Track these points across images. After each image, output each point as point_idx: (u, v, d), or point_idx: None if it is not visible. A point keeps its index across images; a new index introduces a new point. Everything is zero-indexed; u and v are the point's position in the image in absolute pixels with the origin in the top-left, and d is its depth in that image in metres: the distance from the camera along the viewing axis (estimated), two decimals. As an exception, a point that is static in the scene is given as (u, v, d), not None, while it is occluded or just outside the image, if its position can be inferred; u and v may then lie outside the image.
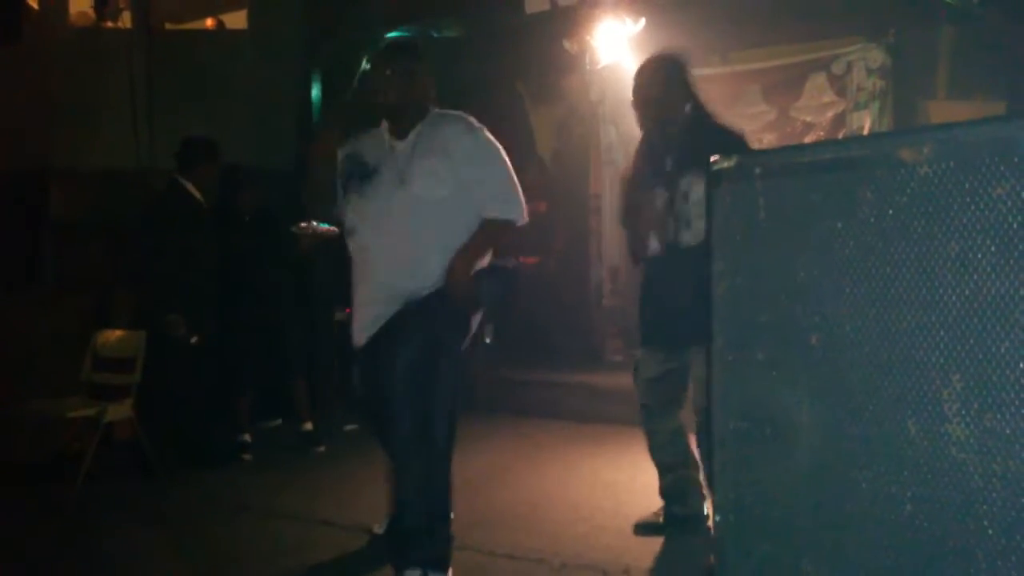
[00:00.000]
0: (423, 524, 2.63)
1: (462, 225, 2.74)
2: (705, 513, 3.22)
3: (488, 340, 5.44)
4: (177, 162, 4.61)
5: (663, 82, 3.12)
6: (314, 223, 5.00)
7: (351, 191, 2.83)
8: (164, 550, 3.33)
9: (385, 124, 2.88)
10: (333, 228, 5.15)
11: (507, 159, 2.81)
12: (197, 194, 4.58)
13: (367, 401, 2.82)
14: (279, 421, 5.43)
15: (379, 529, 3.22)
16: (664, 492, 3.33)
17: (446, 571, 2.67)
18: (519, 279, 3.23)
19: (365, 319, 2.78)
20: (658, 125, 3.15)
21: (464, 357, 2.85)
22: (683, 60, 3.20)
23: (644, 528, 3.30)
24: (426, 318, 2.67)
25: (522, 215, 2.81)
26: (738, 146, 2.98)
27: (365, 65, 6.30)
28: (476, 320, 2.86)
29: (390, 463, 2.84)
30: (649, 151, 3.20)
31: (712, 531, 1.57)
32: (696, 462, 3.25)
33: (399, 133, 2.83)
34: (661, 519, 3.31)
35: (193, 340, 4.38)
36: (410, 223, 2.71)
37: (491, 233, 2.78)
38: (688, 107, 3.14)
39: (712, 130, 3.09)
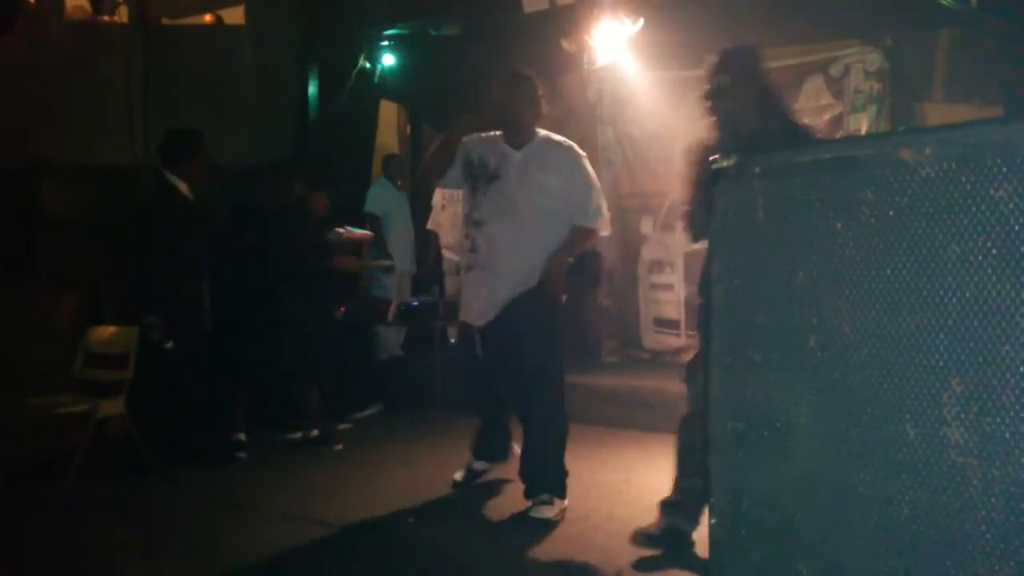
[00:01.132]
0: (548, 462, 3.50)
1: (561, 230, 3.49)
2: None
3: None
4: (161, 156, 4.53)
5: (734, 75, 2.94)
6: (348, 227, 5.08)
7: (478, 188, 3.54)
8: (155, 547, 3.30)
9: (499, 134, 3.59)
10: (367, 232, 5.26)
11: (597, 182, 3.59)
12: (185, 189, 4.50)
13: (488, 369, 3.63)
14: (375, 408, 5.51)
15: (459, 476, 3.95)
16: (679, 500, 3.08)
17: (563, 497, 3.50)
18: (601, 266, 3.87)
19: (484, 301, 3.53)
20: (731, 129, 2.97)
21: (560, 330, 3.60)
22: (756, 52, 3.01)
23: (645, 537, 3.12)
24: (542, 306, 3.46)
25: (603, 225, 3.59)
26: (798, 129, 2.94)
27: (363, 62, 6.30)
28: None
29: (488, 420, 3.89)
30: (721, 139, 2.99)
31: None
32: None
33: (513, 144, 3.56)
34: (658, 531, 3.10)
35: (167, 345, 4.32)
36: (528, 225, 3.44)
37: (578, 238, 3.52)
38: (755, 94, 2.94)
39: (780, 115, 2.96)
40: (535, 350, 3.47)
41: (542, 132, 3.60)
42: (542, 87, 3.62)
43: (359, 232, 5.49)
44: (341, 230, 5.08)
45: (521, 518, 3.43)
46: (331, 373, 5.18)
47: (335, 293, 5.36)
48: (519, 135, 3.55)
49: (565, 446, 3.56)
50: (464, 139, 3.59)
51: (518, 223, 3.45)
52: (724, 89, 2.89)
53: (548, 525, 3.36)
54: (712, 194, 1.62)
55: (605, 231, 3.64)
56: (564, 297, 3.56)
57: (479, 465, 3.96)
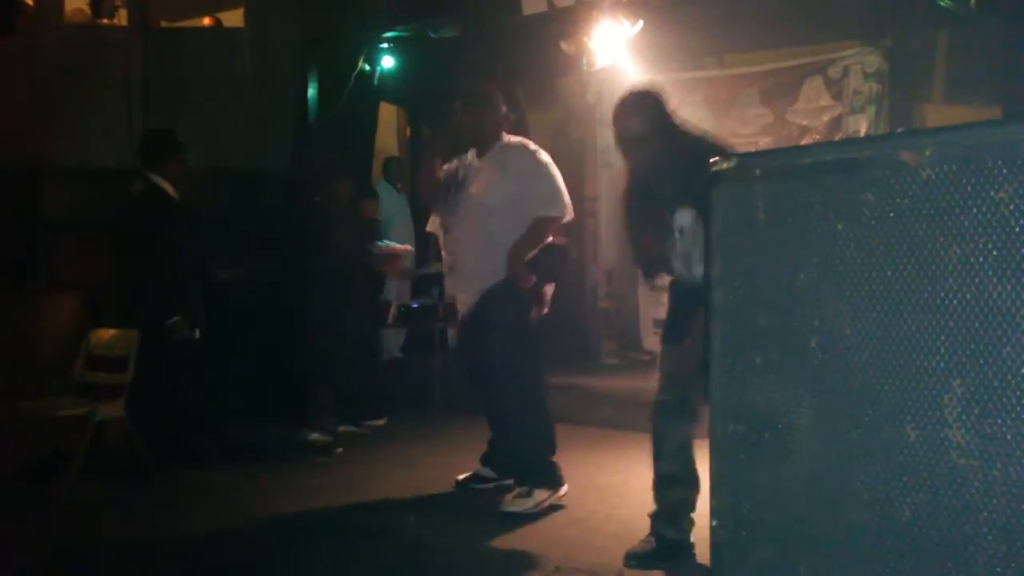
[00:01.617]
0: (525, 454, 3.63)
1: (520, 225, 3.55)
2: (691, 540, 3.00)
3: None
4: (142, 159, 4.54)
5: (642, 122, 3.02)
6: (388, 242, 5.15)
7: (448, 199, 3.75)
8: (153, 550, 3.30)
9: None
10: (408, 247, 5.33)
11: (554, 170, 3.64)
12: (170, 189, 4.49)
13: (465, 365, 3.86)
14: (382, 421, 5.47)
15: (462, 477, 3.97)
16: (661, 511, 3.03)
17: (552, 486, 3.60)
18: (567, 255, 3.88)
19: (462, 300, 3.72)
20: (640, 162, 3.07)
21: (531, 325, 3.70)
22: (660, 95, 3.07)
23: (637, 558, 2.99)
24: (507, 299, 3.57)
25: (563, 211, 3.63)
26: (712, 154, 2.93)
27: (363, 64, 6.30)
28: (548, 292, 3.77)
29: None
30: (636, 187, 3.13)
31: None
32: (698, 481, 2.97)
33: (479, 155, 3.73)
34: (653, 545, 3.00)
35: (196, 335, 4.34)
36: (487, 224, 3.58)
37: (538, 228, 3.58)
38: (663, 138, 3.01)
39: (688, 152, 2.94)
40: (498, 341, 3.56)
41: (507, 138, 3.74)
42: (500, 96, 3.75)
43: (399, 247, 5.66)
44: (382, 245, 5.14)
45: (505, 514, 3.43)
46: (351, 375, 5.21)
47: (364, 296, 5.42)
48: (483, 147, 3.72)
49: (539, 437, 3.64)
50: (445, 166, 3.82)
51: (477, 223, 3.61)
52: (637, 137, 2.99)
53: (521, 519, 3.37)
54: (712, 196, 1.62)
55: (567, 216, 3.68)
56: (531, 286, 3.65)
57: (485, 471, 3.95)
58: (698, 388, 2.86)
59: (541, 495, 3.51)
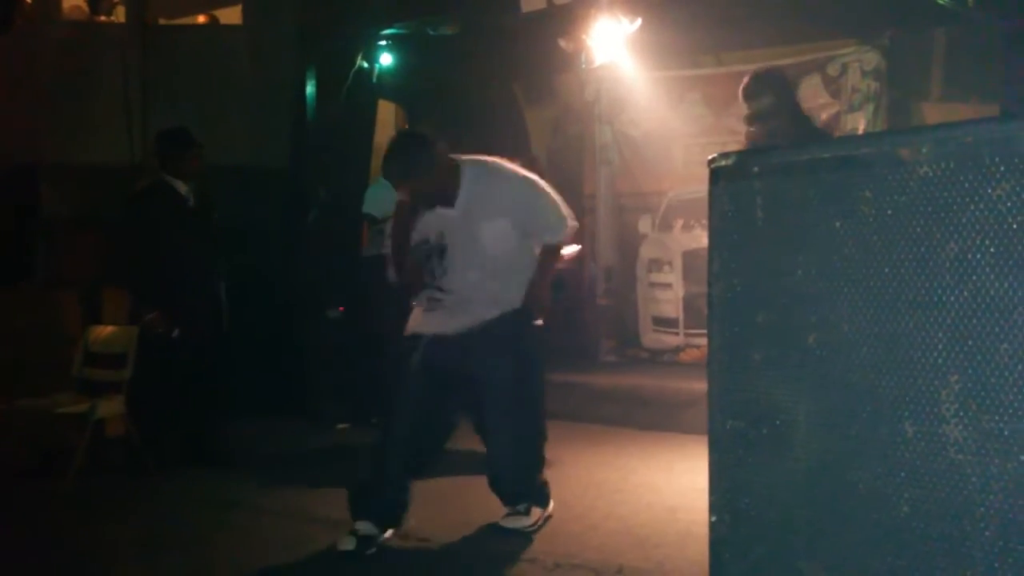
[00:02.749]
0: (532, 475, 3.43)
1: (528, 255, 3.37)
2: None
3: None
4: (158, 162, 4.55)
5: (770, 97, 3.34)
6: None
7: (435, 265, 3.30)
8: (154, 546, 3.30)
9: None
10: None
11: (544, 185, 3.38)
12: (181, 188, 4.48)
13: (430, 383, 3.27)
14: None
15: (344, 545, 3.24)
16: None
17: (545, 505, 3.44)
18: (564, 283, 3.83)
19: (460, 322, 3.25)
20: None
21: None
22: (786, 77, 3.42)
23: None
24: (524, 324, 3.34)
25: (568, 229, 3.41)
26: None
27: (361, 62, 6.30)
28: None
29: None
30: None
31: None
32: None
33: (446, 204, 3.28)
34: None
35: (174, 334, 4.31)
36: (500, 269, 3.27)
37: (552, 256, 3.44)
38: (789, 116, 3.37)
39: (812, 134, 3.28)
40: (519, 365, 3.30)
41: (462, 169, 3.29)
42: (421, 137, 3.33)
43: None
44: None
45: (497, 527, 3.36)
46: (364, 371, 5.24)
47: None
48: (446, 197, 3.28)
49: (544, 458, 3.53)
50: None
51: (488, 274, 3.27)
52: (766, 111, 3.07)
53: (520, 535, 3.33)
54: (711, 193, 1.62)
55: (573, 226, 3.46)
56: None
57: (364, 527, 3.16)
58: None
59: (536, 513, 3.40)
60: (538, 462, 3.49)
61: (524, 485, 3.41)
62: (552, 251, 3.45)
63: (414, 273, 3.36)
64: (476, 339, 3.24)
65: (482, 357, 3.25)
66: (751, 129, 3.36)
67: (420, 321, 3.36)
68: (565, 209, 3.41)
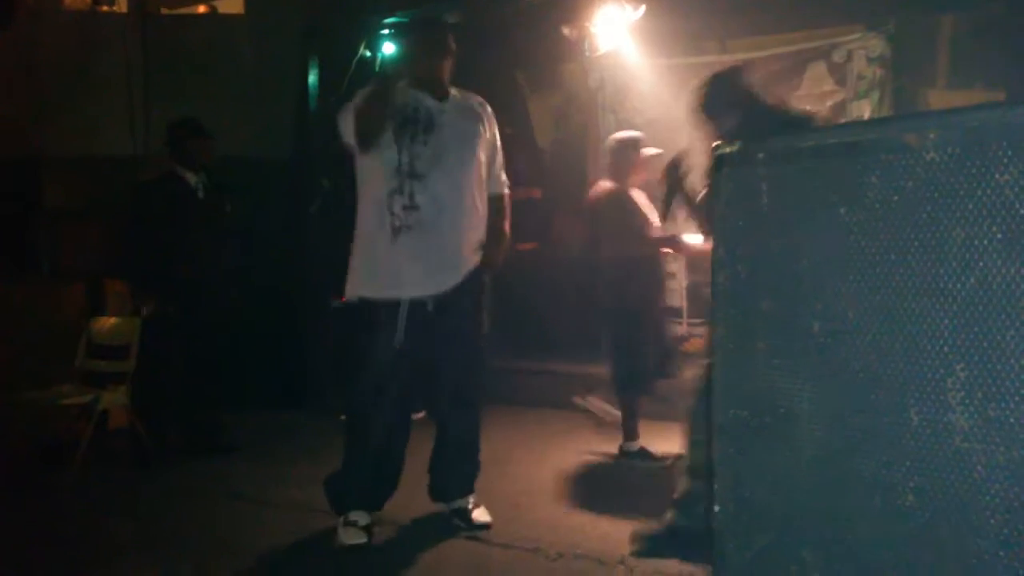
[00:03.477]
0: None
1: (479, 194, 3.17)
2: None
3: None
4: (168, 150, 4.55)
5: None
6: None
7: (415, 137, 3.04)
8: (158, 538, 3.31)
9: (405, 83, 3.13)
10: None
11: None
12: (190, 179, 4.48)
13: (413, 362, 3.10)
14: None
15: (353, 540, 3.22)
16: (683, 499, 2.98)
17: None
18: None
19: (432, 265, 3.04)
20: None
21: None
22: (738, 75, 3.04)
23: (646, 541, 2.99)
24: (480, 290, 3.19)
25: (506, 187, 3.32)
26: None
27: (363, 51, 6.27)
28: None
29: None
30: None
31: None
32: None
33: (435, 95, 3.14)
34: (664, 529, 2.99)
35: (170, 310, 4.29)
36: (465, 185, 3.09)
37: (506, 209, 3.29)
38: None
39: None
40: (477, 338, 3.23)
41: (453, 89, 3.24)
42: (452, 39, 3.20)
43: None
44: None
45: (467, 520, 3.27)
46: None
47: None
48: (439, 87, 3.17)
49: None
50: (376, 83, 3.15)
51: (457, 181, 3.08)
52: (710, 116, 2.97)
53: (519, 510, 3.35)
54: (715, 180, 1.61)
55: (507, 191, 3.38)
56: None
57: (360, 517, 3.15)
58: None
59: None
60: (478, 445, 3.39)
61: (472, 472, 3.34)
62: (503, 202, 3.30)
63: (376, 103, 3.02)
64: (445, 311, 3.07)
65: (445, 337, 3.11)
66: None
67: (393, 258, 3.04)
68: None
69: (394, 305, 3.03)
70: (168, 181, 4.48)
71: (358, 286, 3.13)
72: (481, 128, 3.20)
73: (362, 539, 3.08)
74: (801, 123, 2.96)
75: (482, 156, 3.17)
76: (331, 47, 6.23)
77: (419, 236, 3.01)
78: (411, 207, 3.01)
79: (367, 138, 3.03)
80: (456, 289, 3.07)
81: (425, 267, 3.03)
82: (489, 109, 3.28)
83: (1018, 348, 1.20)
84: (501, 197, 3.30)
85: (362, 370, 3.15)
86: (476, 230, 3.16)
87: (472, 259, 3.14)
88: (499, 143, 3.29)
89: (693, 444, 2.95)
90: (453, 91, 3.21)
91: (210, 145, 4.56)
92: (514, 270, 4.38)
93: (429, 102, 3.12)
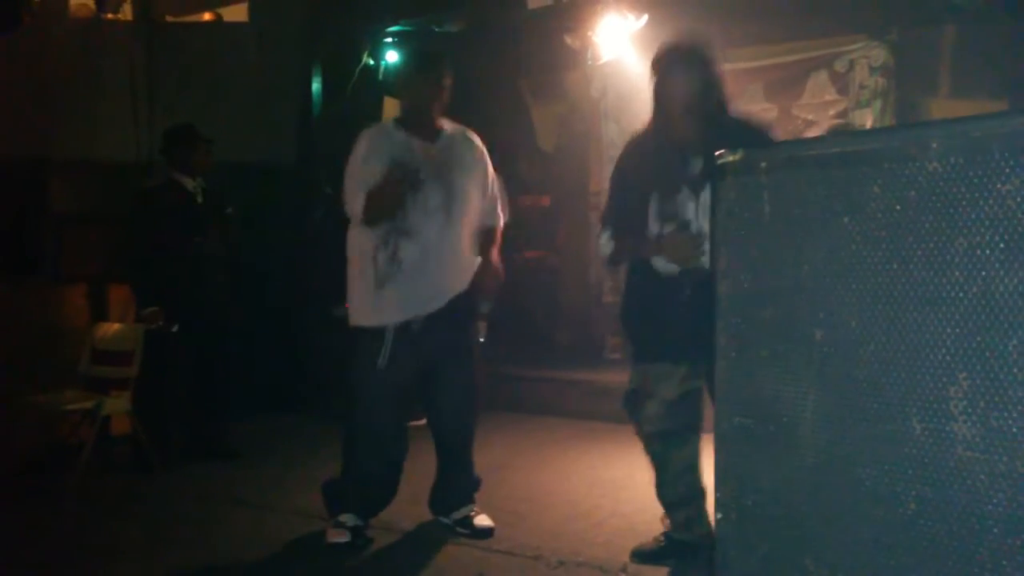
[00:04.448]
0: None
1: (470, 242, 3.21)
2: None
3: (481, 339, 5.58)
4: (164, 158, 4.57)
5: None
6: None
7: (406, 199, 3.05)
8: (159, 543, 3.31)
9: (395, 125, 3.22)
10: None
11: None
12: (188, 185, 4.49)
13: (401, 380, 3.13)
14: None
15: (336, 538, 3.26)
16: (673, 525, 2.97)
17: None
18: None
19: (421, 296, 3.08)
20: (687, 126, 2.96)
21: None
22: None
23: (643, 556, 2.97)
24: (473, 312, 3.30)
25: (503, 217, 3.39)
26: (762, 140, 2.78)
27: (367, 59, 6.29)
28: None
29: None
30: (660, 157, 3.01)
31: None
32: (704, 491, 2.88)
33: (424, 136, 3.16)
34: (663, 543, 2.98)
35: (174, 329, 4.30)
36: (459, 230, 3.13)
37: (493, 241, 3.29)
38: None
39: (736, 126, 2.89)
40: (471, 356, 3.30)
41: (446, 123, 3.24)
42: (449, 74, 3.17)
43: None
44: None
45: (469, 528, 3.29)
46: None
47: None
48: (428, 128, 3.18)
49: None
50: (372, 137, 3.19)
51: (446, 229, 3.09)
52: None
53: (522, 516, 3.35)
54: (718, 189, 1.62)
55: (505, 219, 3.42)
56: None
57: (348, 519, 3.21)
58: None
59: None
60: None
61: (470, 481, 3.39)
62: (496, 233, 3.31)
63: (390, 193, 3.01)
64: (433, 328, 3.10)
65: (439, 356, 3.17)
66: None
67: (378, 297, 3.09)
68: (503, 206, 3.41)
69: (380, 329, 3.09)
70: (167, 188, 4.49)
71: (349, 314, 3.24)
72: (471, 162, 3.21)
73: (344, 538, 3.12)
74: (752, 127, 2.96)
75: (474, 194, 3.19)
76: (335, 55, 6.26)
77: (403, 282, 3.07)
78: (394, 260, 3.07)
79: (375, 222, 3.09)
80: (447, 305, 3.12)
81: (411, 304, 3.09)
82: (479, 141, 3.27)
83: (1021, 357, 1.21)
84: (494, 229, 3.31)
85: (354, 387, 3.20)
86: (465, 271, 3.18)
87: (460, 288, 3.16)
88: (491, 174, 3.29)
89: (660, 484, 2.94)
90: (444, 126, 3.21)
91: (206, 151, 4.57)
92: (519, 278, 4.37)
93: (416, 145, 3.13)
